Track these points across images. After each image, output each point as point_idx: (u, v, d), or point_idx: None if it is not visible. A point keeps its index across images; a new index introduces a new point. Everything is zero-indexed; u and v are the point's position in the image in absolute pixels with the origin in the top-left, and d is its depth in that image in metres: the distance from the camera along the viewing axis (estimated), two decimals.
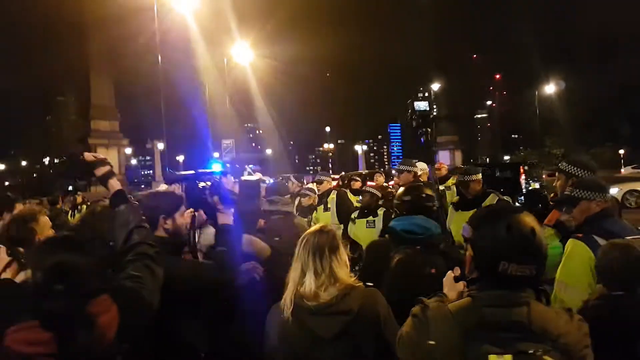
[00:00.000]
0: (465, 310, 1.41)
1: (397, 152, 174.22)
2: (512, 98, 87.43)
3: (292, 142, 72.97)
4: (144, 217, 2.05)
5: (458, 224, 3.75)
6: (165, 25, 22.83)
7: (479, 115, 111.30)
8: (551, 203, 3.67)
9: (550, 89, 46.69)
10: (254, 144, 64.26)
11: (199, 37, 26.31)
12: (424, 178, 5.92)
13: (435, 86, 53.38)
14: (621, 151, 37.35)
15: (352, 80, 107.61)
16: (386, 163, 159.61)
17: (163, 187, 3.61)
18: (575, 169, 3.21)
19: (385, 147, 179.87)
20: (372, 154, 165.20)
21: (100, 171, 2.11)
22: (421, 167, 6.00)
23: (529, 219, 1.44)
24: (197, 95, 32.76)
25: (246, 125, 58.31)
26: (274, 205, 3.46)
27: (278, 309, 1.94)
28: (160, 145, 35.17)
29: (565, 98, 47.13)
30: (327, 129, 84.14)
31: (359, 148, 56.37)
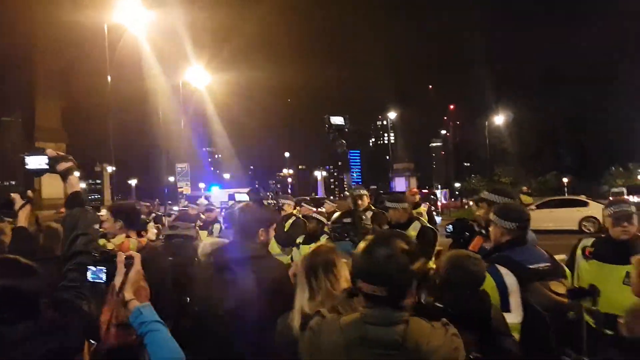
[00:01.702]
0: (352, 325, 1.49)
1: (357, 179, 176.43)
2: (465, 128, 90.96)
3: (252, 167, 72.56)
4: (96, 227, 2.10)
5: None
6: (117, 48, 22.35)
7: (434, 144, 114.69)
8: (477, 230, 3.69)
9: (499, 119, 48.91)
10: (212, 168, 63.24)
11: (153, 59, 25.90)
12: (365, 203, 5.84)
13: (392, 115, 54.93)
14: (565, 179, 39.27)
15: (312, 108, 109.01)
16: (345, 189, 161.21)
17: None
18: (494, 196, 3.27)
19: (344, 173, 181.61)
20: (332, 180, 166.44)
21: (62, 166, 2.14)
22: (359, 193, 5.98)
23: (398, 244, 1.48)
24: (150, 118, 32.09)
25: (205, 149, 57.43)
26: (174, 230, 3.96)
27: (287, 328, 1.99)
28: (110, 169, 34.05)
29: (514, 128, 49.42)
30: (287, 154, 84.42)
31: (319, 174, 56.66)
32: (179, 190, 27.70)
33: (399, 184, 37.00)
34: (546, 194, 26.12)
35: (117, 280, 1.75)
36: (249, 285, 2.22)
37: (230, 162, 54.44)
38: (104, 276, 1.75)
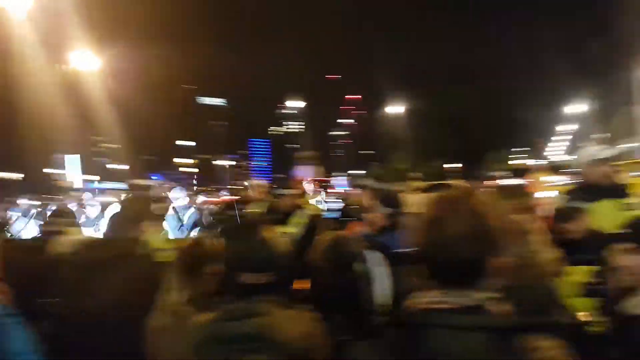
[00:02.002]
0: (204, 324, 1.43)
1: (267, 168, 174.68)
2: (364, 117, 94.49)
3: (145, 157, 68.08)
4: None
5: None
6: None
7: (334, 132, 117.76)
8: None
9: (398, 109, 51.68)
10: (100, 158, 58.64)
11: (32, 40, 23.45)
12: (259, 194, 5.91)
13: (293, 104, 55.53)
14: (450, 165, 42.95)
15: (215, 95, 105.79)
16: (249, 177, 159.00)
17: None
18: (375, 183, 3.54)
19: (246, 162, 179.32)
20: (237, 169, 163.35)
21: None
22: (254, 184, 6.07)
23: (265, 231, 1.52)
24: (27, 102, 29.06)
25: (92, 137, 53.20)
26: (49, 227, 3.66)
27: None
28: None
29: (410, 119, 52.47)
30: (179, 142, 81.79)
31: (222, 163, 55.41)
32: (55, 182, 25.56)
33: (306, 172, 37.35)
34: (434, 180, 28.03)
35: None
36: (112, 284, 2.16)
37: (120, 152, 50.89)
38: None
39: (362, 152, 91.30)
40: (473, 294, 1.07)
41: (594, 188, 3.66)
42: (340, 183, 33.66)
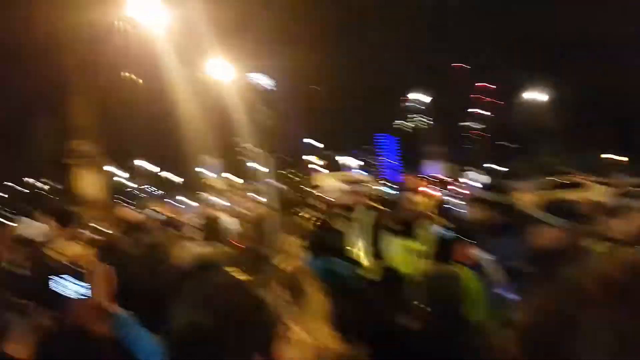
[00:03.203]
0: None
1: (395, 165, 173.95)
2: (500, 105, 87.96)
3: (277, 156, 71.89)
4: None
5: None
6: (140, 44, 22.24)
7: (465, 124, 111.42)
8: None
9: (535, 95, 46.57)
10: (240, 158, 63.25)
11: (175, 54, 25.68)
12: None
13: (417, 96, 53.52)
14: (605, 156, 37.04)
15: (336, 94, 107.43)
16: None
17: None
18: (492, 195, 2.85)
19: (371, 157, 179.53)
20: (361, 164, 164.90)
21: None
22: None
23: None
24: (174, 112, 32.15)
25: (233, 140, 57.50)
26: None
27: None
28: (141, 164, 34.40)
29: (552, 103, 46.97)
30: (308, 140, 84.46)
31: (342, 159, 55.63)
32: (204, 182, 27.88)
33: (433, 168, 35.96)
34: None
35: (94, 291, 1.78)
36: None
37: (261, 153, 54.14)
38: (73, 287, 1.72)
39: (500, 143, 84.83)
40: None
41: None
42: (473, 181, 31.33)
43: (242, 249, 5.69)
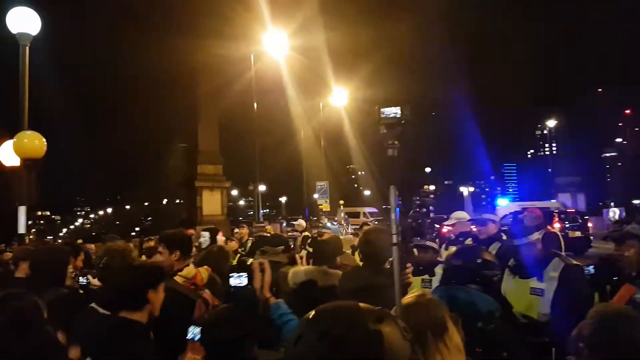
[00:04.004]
0: None
1: (513, 195, 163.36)
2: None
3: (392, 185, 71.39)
4: None
5: (517, 293, 3.09)
6: (261, 72, 23.74)
7: (607, 154, 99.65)
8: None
9: None
10: (355, 185, 63.90)
11: (294, 81, 26.86)
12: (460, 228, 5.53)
13: (552, 123, 49.40)
14: None
15: (458, 121, 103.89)
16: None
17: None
18: None
19: (499, 188, 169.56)
20: (483, 196, 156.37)
21: None
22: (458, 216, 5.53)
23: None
24: (293, 139, 33.45)
25: (348, 167, 58.45)
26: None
27: None
28: (260, 187, 36.15)
29: None
30: (427, 169, 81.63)
31: (465, 189, 53.21)
32: (319, 207, 28.10)
33: (564, 200, 32.62)
34: None
35: (256, 283, 2.27)
36: None
37: (369, 179, 54.26)
38: (245, 280, 2.29)
39: None
40: None
41: None
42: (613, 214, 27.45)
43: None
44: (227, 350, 1.90)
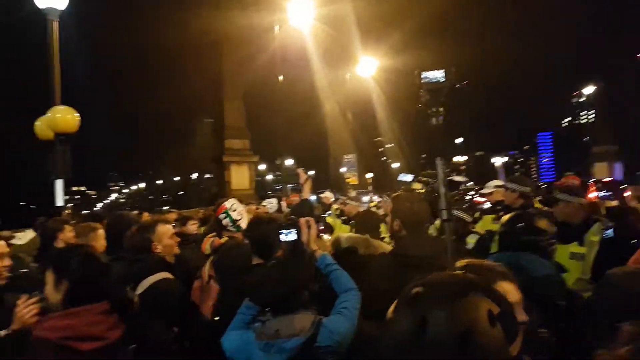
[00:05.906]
0: None
1: (548, 164, 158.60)
2: None
3: (423, 156, 69.58)
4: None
5: (557, 259, 2.93)
6: (286, 44, 23.30)
7: None
8: None
9: None
10: (383, 158, 63.11)
11: (320, 52, 26.32)
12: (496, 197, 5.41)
13: (591, 89, 47.30)
14: None
15: (488, 89, 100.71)
16: (534, 176, 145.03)
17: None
18: None
19: (533, 158, 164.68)
20: (516, 167, 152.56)
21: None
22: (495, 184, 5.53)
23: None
24: (319, 110, 33.06)
25: (375, 139, 57.66)
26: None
27: None
28: (287, 162, 36.15)
29: None
30: (458, 140, 79.73)
31: (498, 159, 51.97)
32: (346, 180, 27.92)
33: (600, 171, 31.45)
34: None
35: (304, 237, 2.50)
36: None
37: (398, 152, 53.48)
38: (294, 235, 2.50)
39: None
40: None
41: None
42: None
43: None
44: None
